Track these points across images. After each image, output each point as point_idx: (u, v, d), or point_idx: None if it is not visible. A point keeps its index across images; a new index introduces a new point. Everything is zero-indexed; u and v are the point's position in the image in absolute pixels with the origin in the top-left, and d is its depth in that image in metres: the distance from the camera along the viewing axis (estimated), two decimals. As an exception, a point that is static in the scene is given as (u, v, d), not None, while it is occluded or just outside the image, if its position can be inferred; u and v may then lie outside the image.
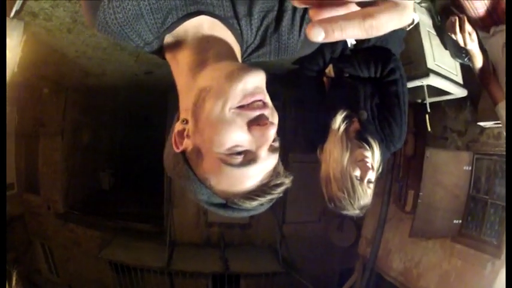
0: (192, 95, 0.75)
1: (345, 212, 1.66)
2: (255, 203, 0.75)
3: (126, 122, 9.54)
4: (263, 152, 0.72)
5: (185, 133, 0.76)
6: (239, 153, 0.70)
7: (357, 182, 1.63)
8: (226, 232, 6.69)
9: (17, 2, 2.86)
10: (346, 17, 0.38)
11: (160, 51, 0.86)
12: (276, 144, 0.75)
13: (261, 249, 6.63)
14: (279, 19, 0.94)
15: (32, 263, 6.49)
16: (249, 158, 0.71)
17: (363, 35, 0.38)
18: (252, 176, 0.72)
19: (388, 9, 0.38)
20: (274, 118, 0.73)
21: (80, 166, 7.24)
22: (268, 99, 0.75)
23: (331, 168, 1.68)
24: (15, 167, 6.11)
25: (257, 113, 0.71)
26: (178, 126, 0.79)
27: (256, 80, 0.73)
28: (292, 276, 6.21)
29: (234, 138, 0.69)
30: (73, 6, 3.37)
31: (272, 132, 0.70)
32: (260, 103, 0.72)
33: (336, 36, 0.38)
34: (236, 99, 0.70)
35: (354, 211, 1.64)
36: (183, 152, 0.77)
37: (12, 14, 2.87)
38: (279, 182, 0.76)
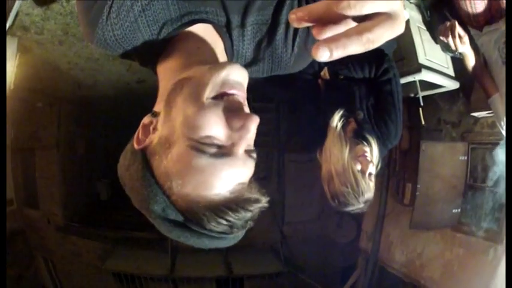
0: (169, 88, 0.73)
1: (349, 208, 1.69)
2: (221, 222, 0.64)
3: (120, 131, 9.48)
4: (240, 149, 0.67)
5: (151, 126, 0.73)
6: (213, 145, 0.65)
7: (359, 176, 1.66)
8: (228, 236, 6.58)
9: (10, 17, 2.87)
10: (346, 35, 0.39)
11: (154, 62, 0.86)
12: (253, 154, 0.71)
13: (263, 251, 6.62)
14: (272, 32, 0.93)
15: (36, 278, 6.44)
16: (223, 151, 0.66)
17: (362, 49, 0.40)
18: (223, 177, 0.65)
19: (382, 22, 0.40)
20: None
21: (77, 177, 7.21)
22: (246, 103, 0.73)
23: (332, 165, 1.70)
24: (13, 182, 6.07)
25: (235, 103, 0.69)
26: (145, 120, 0.76)
27: (239, 74, 0.71)
28: (296, 276, 6.22)
29: (210, 126, 0.65)
30: (64, 18, 3.38)
31: (254, 125, 0.67)
32: (240, 98, 0.71)
33: (340, 54, 0.40)
34: (215, 86, 0.68)
35: (358, 205, 1.67)
36: (143, 150, 0.71)
37: (5, 30, 2.89)
38: (254, 196, 0.68)
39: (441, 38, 2.09)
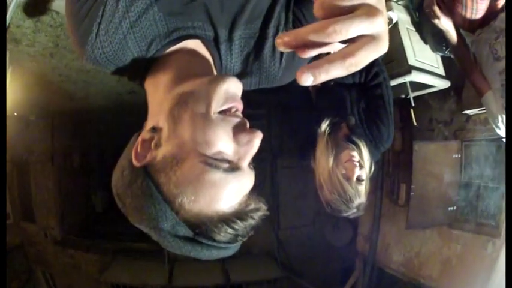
0: (168, 102, 0.73)
1: (343, 214, 1.71)
2: (230, 232, 0.67)
3: (113, 142, 9.41)
4: (245, 163, 0.70)
5: (153, 142, 0.71)
6: (224, 160, 0.68)
7: (345, 182, 1.67)
8: (224, 244, 6.54)
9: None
10: (329, 60, 0.41)
11: (143, 77, 0.86)
12: (251, 166, 0.73)
13: (260, 257, 6.60)
14: (260, 46, 0.94)
15: (37, 292, 6.40)
16: (232, 166, 0.68)
17: (345, 73, 0.42)
18: (234, 190, 0.67)
19: (366, 44, 0.42)
20: None
21: (72, 190, 7.15)
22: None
23: (320, 173, 1.73)
24: (8, 196, 6.03)
25: (240, 120, 0.71)
26: (144, 135, 0.74)
27: (237, 86, 0.73)
28: (294, 280, 6.20)
29: (221, 142, 0.66)
30: (54, 30, 3.37)
31: (259, 140, 0.70)
32: (240, 112, 0.73)
33: (323, 78, 0.42)
34: (220, 101, 0.69)
35: (350, 210, 1.68)
36: (145, 167, 0.70)
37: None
38: (258, 206, 0.71)
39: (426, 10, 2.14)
